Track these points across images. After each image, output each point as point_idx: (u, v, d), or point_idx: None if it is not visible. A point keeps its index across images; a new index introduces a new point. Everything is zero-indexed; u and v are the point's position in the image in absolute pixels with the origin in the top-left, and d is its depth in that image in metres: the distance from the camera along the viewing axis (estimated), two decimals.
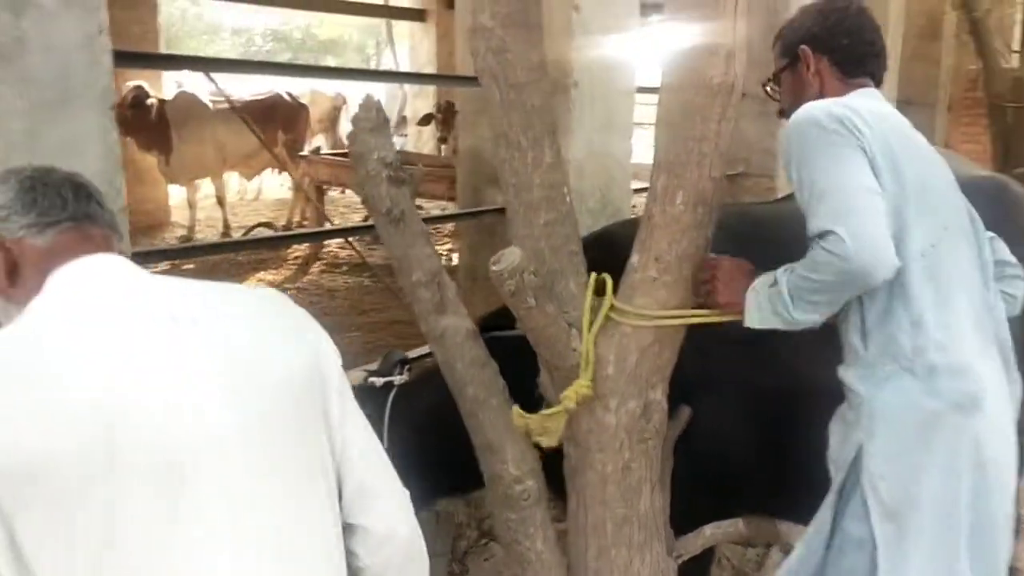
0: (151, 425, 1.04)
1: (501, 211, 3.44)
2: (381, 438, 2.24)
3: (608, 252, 1.89)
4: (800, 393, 1.98)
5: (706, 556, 2.30)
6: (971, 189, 2.12)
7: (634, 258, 1.78)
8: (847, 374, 1.73)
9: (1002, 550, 1.70)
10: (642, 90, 3.68)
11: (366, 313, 6.25)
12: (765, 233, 2.28)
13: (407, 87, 16.81)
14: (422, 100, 13.50)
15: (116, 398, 1.03)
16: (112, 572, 1.00)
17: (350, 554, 1.24)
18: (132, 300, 1.13)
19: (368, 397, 2.30)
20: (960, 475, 1.63)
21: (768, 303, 1.64)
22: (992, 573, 1.70)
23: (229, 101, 5.15)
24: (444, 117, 9.09)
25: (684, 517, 2.06)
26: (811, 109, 1.67)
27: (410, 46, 13.40)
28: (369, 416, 2.29)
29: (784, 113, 1.94)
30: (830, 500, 1.75)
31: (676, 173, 1.69)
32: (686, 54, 1.66)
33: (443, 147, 9.38)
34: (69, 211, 1.17)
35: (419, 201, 8.50)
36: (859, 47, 1.85)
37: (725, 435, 2.10)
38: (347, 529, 1.24)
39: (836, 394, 1.85)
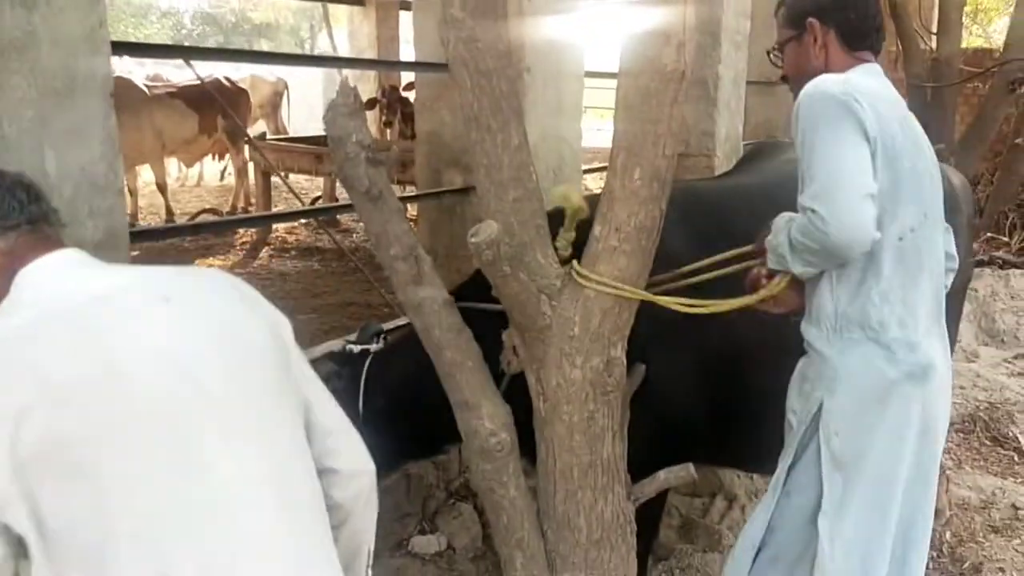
0: (166, 390, 1.14)
1: (461, 191, 3.63)
2: (357, 402, 2.44)
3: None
4: (746, 351, 2.20)
5: (659, 501, 2.53)
6: None
7: (596, 229, 1.98)
8: (812, 334, 1.90)
9: (931, 498, 1.95)
10: (590, 74, 3.87)
11: (319, 296, 6.35)
12: (705, 207, 2.51)
13: (346, 72, 16.65)
14: (363, 84, 13.52)
15: (134, 367, 1.12)
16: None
17: (325, 496, 1.36)
18: (123, 283, 1.21)
19: (347, 363, 2.48)
20: (905, 437, 1.84)
21: (776, 247, 1.82)
22: (922, 518, 1.94)
23: (225, 87, 5.12)
24: (388, 102, 9.19)
25: (640, 467, 2.27)
26: (822, 86, 1.78)
27: (349, 31, 13.36)
28: (347, 381, 2.48)
29: (787, 80, 2.06)
30: (790, 448, 1.95)
31: (634, 152, 1.88)
32: (642, 42, 1.85)
33: (388, 131, 9.45)
34: (25, 213, 1.22)
35: None
36: (865, 21, 1.95)
37: (676, 390, 2.32)
38: (320, 474, 1.37)
39: (780, 351, 2.08)
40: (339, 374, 2.45)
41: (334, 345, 2.71)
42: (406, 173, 7.38)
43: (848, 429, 1.85)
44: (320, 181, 10.06)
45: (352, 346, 2.52)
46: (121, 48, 2.22)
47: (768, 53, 2.14)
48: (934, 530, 2.96)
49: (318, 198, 9.61)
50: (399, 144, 8.94)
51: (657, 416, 2.27)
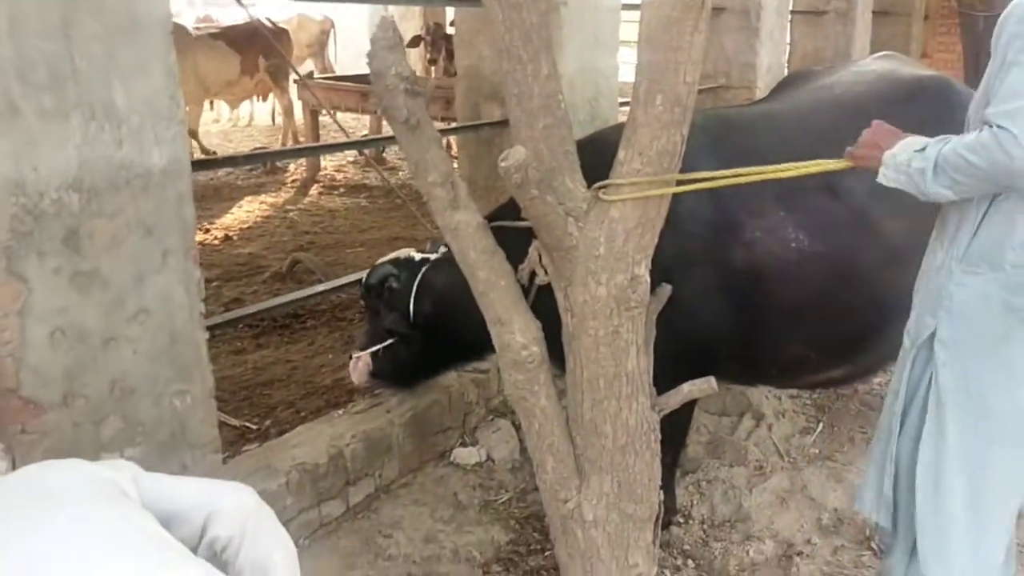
0: None
1: (499, 124, 3.74)
2: (408, 306, 2.69)
3: (598, 153, 2.21)
4: (767, 271, 2.31)
5: (685, 415, 2.68)
6: (917, 87, 2.43)
7: (621, 154, 2.09)
8: (938, 260, 1.88)
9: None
10: (627, 7, 3.92)
11: (366, 231, 6.55)
12: (735, 133, 2.60)
13: (392, 9, 16.65)
14: (407, 22, 13.53)
15: None
16: None
17: (215, 540, 1.29)
18: None
19: (405, 269, 2.72)
20: (1020, 381, 1.82)
21: (906, 164, 1.74)
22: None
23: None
24: (432, 39, 9.23)
25: (668, 384, 2.41)
26: None
27: None
28: (402, 285, 2.75)
29: None
30: (902, 368, 1.97)
31: (656, 79, 1.98)
32: None
33: (433, 69, 9.51)
34: None
35: None
36: None
37: (700, 309, 2.46)
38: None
39: (803, 267, 2.17)
40: (397, 276, 2.70)
41: (402, 252, 2.95)
42: (449, 109, 7.48)
43: (958, 363, 1.85)
44: (366, 120, 10.22)
45: (413, 253, 2.75)
46: None
47: None
48: None
49: (365, 136, 9.77)
50: (441, 81, 9.02)
51: (683, 334, 2.40)
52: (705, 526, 2.87)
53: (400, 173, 8.87)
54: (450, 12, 10.53)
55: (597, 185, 2.13)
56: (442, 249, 2.78)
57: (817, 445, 3.24)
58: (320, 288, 3.58)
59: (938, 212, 2.00)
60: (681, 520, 2.87)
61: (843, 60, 7.58)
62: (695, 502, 2.97)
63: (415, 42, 9.37)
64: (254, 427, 3.26)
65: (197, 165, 2.48)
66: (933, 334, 1.88)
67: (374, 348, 2.85)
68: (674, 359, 2.40)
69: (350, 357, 2.95)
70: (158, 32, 1.99)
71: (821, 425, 3.37)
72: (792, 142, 2.43)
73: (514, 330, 2.26)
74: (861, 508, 2.18)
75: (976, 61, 8.38)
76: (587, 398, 2.28)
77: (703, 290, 2.44)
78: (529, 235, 2.33)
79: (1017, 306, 1.80)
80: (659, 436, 2.39)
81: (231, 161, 4.26)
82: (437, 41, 9.26)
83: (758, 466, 3.11)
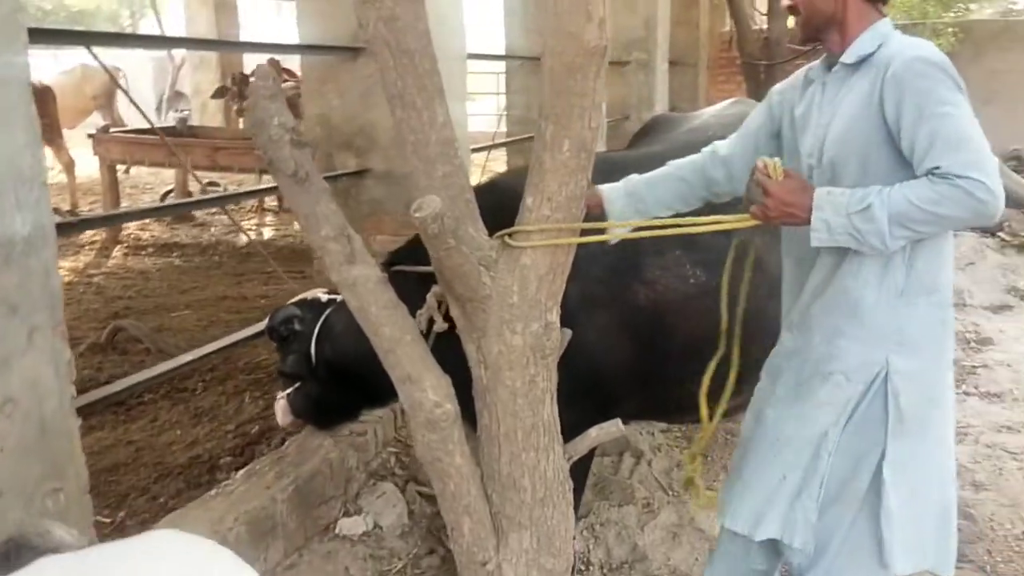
0: None
1: (356, 174, 3.62)
2: (309, 349, 2.57)
3: (499, 197, 2.18)
4: (669, 307, 2.36)
5: (586, 460, 2.67)
6: None
7: (528, 200, 2.06)
8: (868, 296, 1.91)
9: None
10: (472, 56, 3.94)
11: (188, 292, 6.12)
12: (623, 174, 2.66)
13: (177, 59, 16.01)
14: (203, 73, 12.99)
15: None
16: None
17: None
18: None
19: (310, 310, 2.59)
20: (952, 399, 2.03)
21: (847, 228, 1.75)
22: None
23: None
24: (239, 89, 8.88)
25: (571, 427, 2.39)
26: (928, 51, 1.79)
27: (187, 16, 12.78)
28: (305, 326, 2.64)
29: (794, 12, 2.02)
30: (839, 406, 2.00)
31: (562, 124, 1.97)
32: (565, 20, 1.93)
33: (241, 119, 9.14)
34: None
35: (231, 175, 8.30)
36: None
37: (605, 350, 2.46)
38: None
39: (698, 311, 2.22)
40: (301, 318, 2.65)
41: (309, 293, 2.84)
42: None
43: (915, 392, 1.93)
44: (166, 174, 9.65)
45: (321, 294, 2.65)
46: (38, 35, 2.10)
47: None
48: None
49: (169, 192, 9.19)
50: (240, 132, 8.69)
51: (588, 376, 2.39)
52: (605, 570, 2.85)
53: (213, 229, 8.41)
54: (249, 61, 10.24)
55: (503, 232, 2.09)
56: None
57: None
58: (208, 349, 3.27)
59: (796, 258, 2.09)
60: (582, 567, 2.84)
61: (648, 107, 8.06)
62: (591, 547, 2.95)
63: (221, 93, 8.97)
64: (107, 520, 2.89)
65: (63, 229, 2.19)
66: (886, 372, 1.94)
67: (287, 390, 2.75)
68: (577, 402, 2.39)
69: (275, 398, 2.83)
70: (17, 83, 1.73)
71: (697, 458, 3.46)
72: None
73: (425, 388, 2.15)
74: (764, 535, 2.20)
75: None
76: (504, 452, 2.20)
77: (608, 331, 2.45)
78: (423, 282, 2.27)
79: (948, 319, 1.95)
80: (572, 484, 2.36)
81: (101, 222, 3.82)
82: (244, 91, 8.92)
83: (646, 503, 3.14)
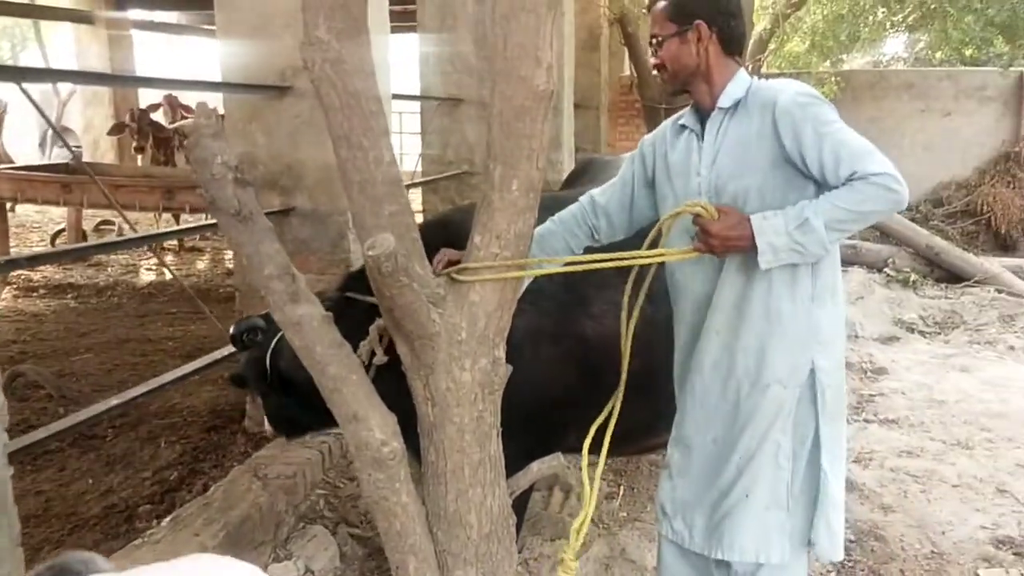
0: None
1: (281, 213, 3.58)
2: (265, 363, 2.58)
3: (455, 231, 2.23)
4: (616, 341, 2.42)
5: (526, 495, 2.70)
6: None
7: (476, 238, 2.10)
8: (785, 307, 2.10)
9: None
10: (396, 96, 3.98)
11: (88, 335, 5.86)
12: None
13: (64, 93, 15.40)
14: (95, 108, 12.57)
15: None
16: None
17: None
18: None
19: (271, 325, 2.58)
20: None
21: (790, 244, 1.94)
22: None
23: None
24: (139, 126, 8.64)
25: (513, 460, 2.41)
26: (798, 87, 2.05)
27: (76, 51, 12.34)
28: (263, 340, 2.64)
29: (661, 71, 2.20)
30: (787, 416, 2.13)
31: (511, 164, 2.03)
32: (514, 64, 1.99)
33: (140, 157, 8.87)
34: None
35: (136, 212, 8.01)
36: (740, 27, 2.18)
37: (554, 383, 2.51)
38: None
39: (651, 339, 2.30)
40: (262, 330, 2.68)
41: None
42: (172, 199, 7.00)
43: (835, 383, 2.15)
44: (56, 212, 9.23)
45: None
46: None
47: (649, 43, 2.25)
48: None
49: (60, 231, 8.80)
50: (150, 169, 8.44)
51: (536, 409, 2.43)
52: None
53: (109, 269, 8.09)
54: (145, 97, 10.00)
55: (452, 269, 2.12)
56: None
57: (624, 508, 3.40)
58: (140, 391, 3.13)
59: (716, 281, 2.19)
60: None
61: (556, 147, 8.24)
62: None
63: (118, 129, 8.74)
64: None
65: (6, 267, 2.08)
66: (812, 370, 2.12)
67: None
68: (521, 435, 2.42)
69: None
70: None
71: (622, 489, 3.54)
72: None
73: (372, 426, 2.14)
74: (736, 557, 2.22)
75: None
76: (451, 489, 2.21)
77: (556, 364, 2.51)
78: (374, 309, 2.28)
79: (844, 314, 2.21)
80: (515, 519, 2.38)
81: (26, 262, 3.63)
82: (144, 128, 8.69)
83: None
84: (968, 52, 12.52)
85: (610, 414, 2.39)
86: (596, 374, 2.54)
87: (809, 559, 2.35)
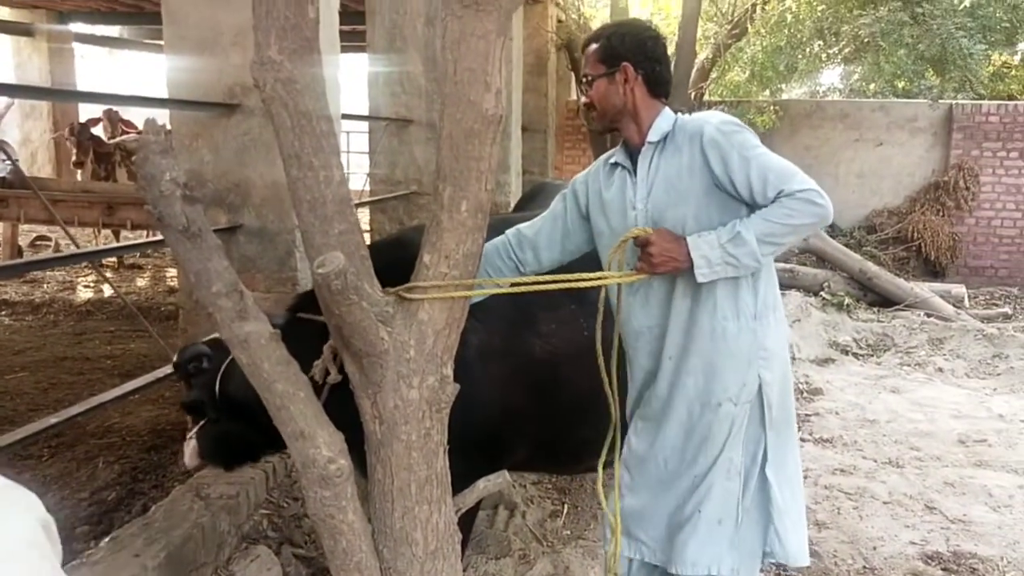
0: None
1: (228, 231, 3.56)
2: (214, 389, 2.55)
3: (407, 252, 2.27)
4: (563, 359, 2.48)
5: (472, 512, 2.73)
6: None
7: (425, 258, 2.13)
8: (730, 327, 2.19)
9: None
10: (345, 116, 4.00)
11: (23, 352, 5.71)
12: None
13: (1, 107, 14.97)
14: (33, 122, 12.29)
15: None
16: None
17: None
18: None
19: (219, 351, 2.57)
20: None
21: (724, 257, 2.06)
22: None
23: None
24: (79, 141, 8.48)
25: (460, 478, 2.44)
26: (722, 116, 2.19)
27: (16, 63, 12.06)
28: (211, 366, 2.62)
29: (591, 109, 2.32)
30: (736, 431, 2.21)
31: (460, 186, 2.07)
32: (464, 88, 2.04)
33: (80, 172, 8.70)
34: None
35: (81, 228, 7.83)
36: (666, 72, 2.30)
37: (501, 400, 2.55)
38: None
39: (591, 362, 2.36)
40: (209, 356, 2.65)
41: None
42: (112, 215, 6.88)
43: (779, 396, 2.23)
44: None
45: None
46: None
47: (579, 83, 2.40)
48: None
49: None
50: (89, 184, 8.28)
51: (483, 426, 2.47)
52: None
53: (46, 286, 7.89)
54: (84, 111, 9.83)
55: (400, 288, 2.15)
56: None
57: (568, 526, 3.43)
58: (77, 410, 3.06)
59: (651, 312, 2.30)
60: None
61: (504, 170, 8.34)
62: None
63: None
64: None
65: None
66: (759, 385, 2.20)
67: (195, 430, 2.69)
68: (469, 452, 2.46)
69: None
70: None
71: (566, 507, 3.58)
72: None
73: (319, 444, 2.15)
74: (688, 571, 2.27)
75: None
76: (398, 506, 2.22)
77: (504, 382, 2.56)
78: (316, 335, 2.29)
79: (786, 328, 2.32)
80: (460, 536, 2.40)
81: None
82: (84, 143, 8.54)
83: (522, 555, 3.20)
84: (900, 84, 13.02)
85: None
86: (544, 392, 2.59)
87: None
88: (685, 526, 2.25)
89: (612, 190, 2.35)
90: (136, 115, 10.75)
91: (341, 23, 4.03)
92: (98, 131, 9.39)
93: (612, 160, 2.38)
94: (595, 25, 11.69)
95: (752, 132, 2.19)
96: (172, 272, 8.73)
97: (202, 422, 2.70)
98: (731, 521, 2.23)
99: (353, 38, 9.98)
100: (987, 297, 9.43)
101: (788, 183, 2.05)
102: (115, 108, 9.97)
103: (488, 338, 2.53)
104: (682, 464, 2.28)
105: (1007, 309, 8.63)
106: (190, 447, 2.70)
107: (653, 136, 2.26)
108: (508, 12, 1.98)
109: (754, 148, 2.13)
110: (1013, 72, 14.46)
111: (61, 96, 9.64)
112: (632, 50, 2.25)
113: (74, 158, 8.57)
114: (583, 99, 2.36)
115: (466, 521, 2.65)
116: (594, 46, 2.30)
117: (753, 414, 2.23)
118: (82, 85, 12.45)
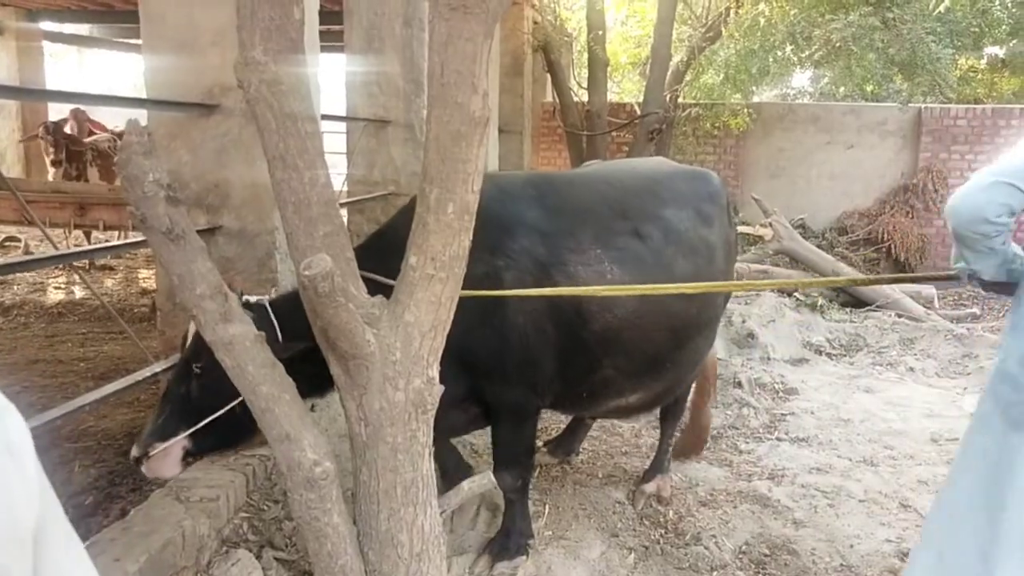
0: None
1: (208, 231, 3.53)
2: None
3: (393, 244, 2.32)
4: (587, 299, 2.83)
5: (530, 432, 3.11)
6: (693, 172, 3.54)
7: (412, 259, 2.13)
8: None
9: None
10: (324, 117, 3.98)
11: None
12: (558, 187, 3.14)
13: None
14: (3, 120, 12.09)
15: None
16: None
17: None
18: None
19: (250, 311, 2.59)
20: None
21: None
22: None
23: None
24: (54, 140, 8.36)
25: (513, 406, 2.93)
26: None
27: None
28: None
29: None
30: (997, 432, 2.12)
31: (447, 188, 2.08)
32: (451, 90, 2.05)
33: (55, 171, 8.57)
34: None
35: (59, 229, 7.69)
36: None
37: (534, 332, 2.86)
38: None
39: (616, 300, 2.80)
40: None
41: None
42: (85, 216, 6.79)
43: None
44: None
45: (248, 297, 2.65)
46: None
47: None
48: (659, 511, 3.50)
49: None
50: (60, 184, 8.16)
51: (521, 354, 2.86)
52: None
53: (16, 288, 7.77)
54: (55, 110, 9.65)
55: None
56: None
57: (549, 527, 3.44)
58: (51, 414, 3.01)
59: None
60: None
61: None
62: None
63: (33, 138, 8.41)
64: None
65: None
66: None
67: (177, 438, 2.65)
68: (510, 378, 2.84)
69: (138, 461, 2.68)
70: None
71: (548, 507, 3.58)
72: (604, 193, 3.13)
73: (304, 446, 2.14)
74: None
75: None
76: (383, 508, 2.23)
77: (536, 316, 2.82)
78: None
79: None
80: (446, 538, 2.40)
81: None
82: (59, 141, 8.41)
83: None
84: (870, 88, 13.16)
85: None
86: (569, 328, 2.87)
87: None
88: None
89: None
90: (104, 115, 10.61)
91: (319, 23, 4.01)
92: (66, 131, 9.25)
93: None
94: (571, 27, 11.74)
95: None
96: (145, 274, 8.62)
97: (191, 429, 2.64)
98: None
99: (330, 38, 9.92)
100: (956, 298, 9.56)
101: None
102: (82, 108, 9.82)
103: (520, 276, 2.78)
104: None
105: (975, 310, 8.76)
106: (173, 451, 2.66)
107: None
108: (495, 15, 1.99)
109: None
110: (979, 76, 14.69)
111: (34, 95, 9.48)
112: None
113: (52, 157, 8.44)
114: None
115: (522, 440, 3.06)
116: None
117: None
118: (50, 84, 12.27)
